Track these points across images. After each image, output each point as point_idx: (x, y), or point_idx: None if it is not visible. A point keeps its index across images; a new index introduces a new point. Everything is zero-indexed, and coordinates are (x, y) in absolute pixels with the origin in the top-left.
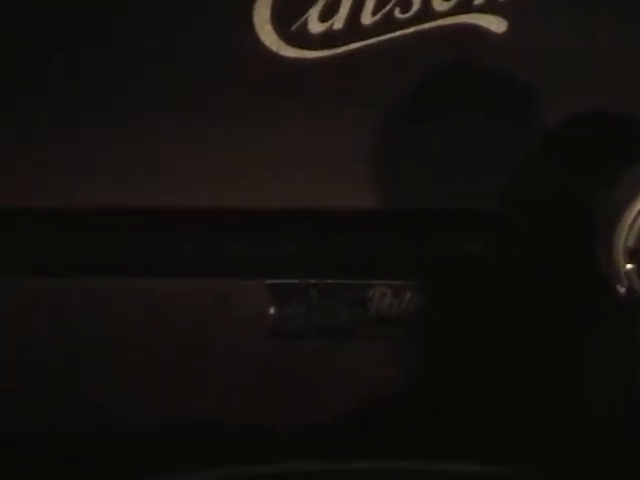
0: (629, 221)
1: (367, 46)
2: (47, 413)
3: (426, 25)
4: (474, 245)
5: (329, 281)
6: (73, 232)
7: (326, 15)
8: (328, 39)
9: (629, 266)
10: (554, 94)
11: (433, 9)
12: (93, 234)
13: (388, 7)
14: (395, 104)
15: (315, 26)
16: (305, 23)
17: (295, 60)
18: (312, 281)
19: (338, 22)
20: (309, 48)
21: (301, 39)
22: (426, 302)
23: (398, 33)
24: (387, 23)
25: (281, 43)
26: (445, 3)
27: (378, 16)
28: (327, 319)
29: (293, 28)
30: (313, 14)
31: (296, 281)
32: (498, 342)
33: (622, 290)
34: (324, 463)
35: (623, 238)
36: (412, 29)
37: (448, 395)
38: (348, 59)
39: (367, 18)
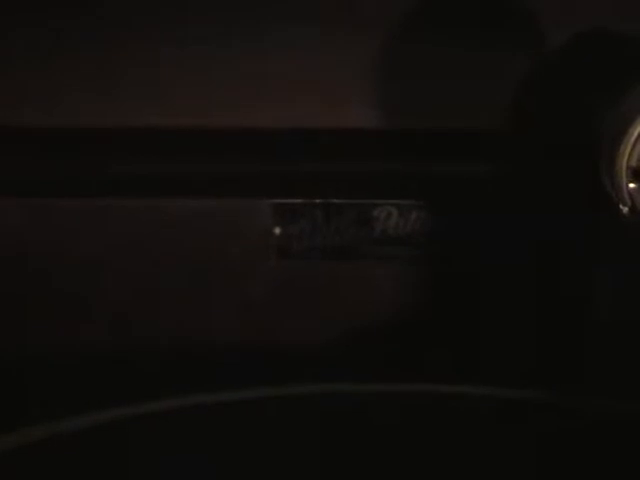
0: (632, 141)
1: None
2: (53, 328)
3: None
4: (480, 166)
5: (334, 201)
6: (76, 152)
7: None
8: None
9: (632, 185)
10: (561, 13)
11: None
12: (101, 155)
13: None
14: (398, 22)
15: None
16: None
17: None
18: (317, 201)
19: None
20: None
21: None
22: (432, 222)
23: None
24: None
25: None
26: None
27: None
28: (332, 239)
29: None
30: None
31: (301, 201)
32: (504, 265)
33: (625, 210)
34: (326, 386)
35: (626, 157)
36: None
37: (455, 317)
38: None
39: None
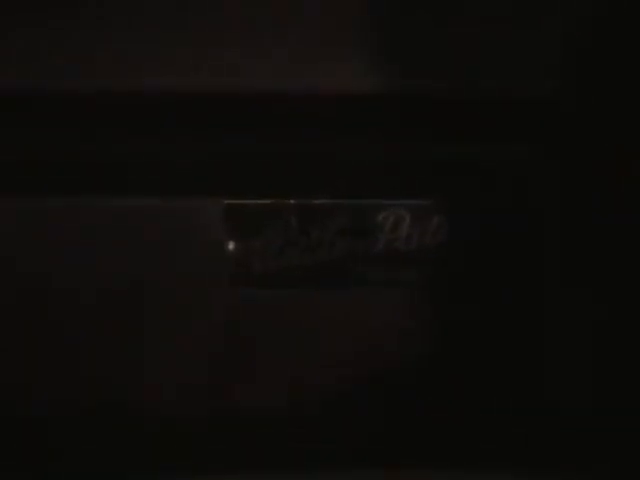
0: None
1: None
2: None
3: None
4: (526, 147)
5: (317, 201)
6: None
7: None
8: None
9: None
10: None
11: None
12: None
13: None
14: None
15: None
16: None
17: None
18: (291, 201)
19: None
20: None
21: None
22: (461, 231)
23: None
24: None
25: None
26: None
27: None
28: (313, 256)
29: None
30: None
31: (268, 201)
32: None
33: None
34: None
35: None
36: None
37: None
38: None
39: None
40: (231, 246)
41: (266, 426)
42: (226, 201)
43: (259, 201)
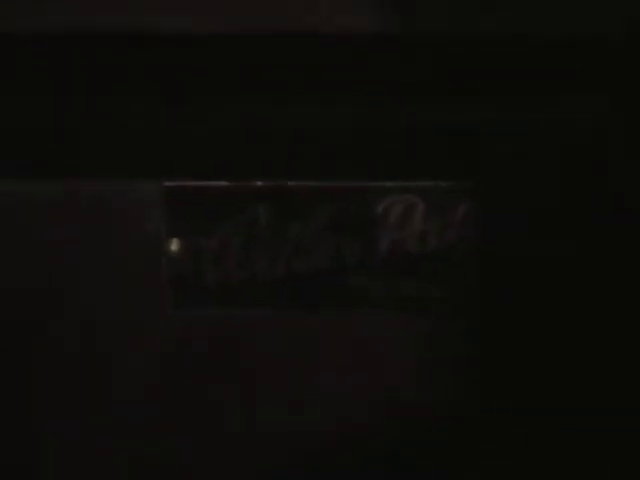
0: None
1: None
2: None
3: None
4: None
5: (292, 184)
6: None
7: None
8: None
9: None
10: None
11: None
12: None
13: None
14: None
15: None
16: None
17: None
18: (258, 183)
19: None
20: None
21: None
22: (489, 226)
23: None
24: None
25: None
26: None
27: None
28: (288, 263)
29: None
30: None
31: (225, 183)
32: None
33: None
34: None
35: None
36: None
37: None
38: None
39: None
40: (173, 247)
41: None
42: (165, 183)
43: (211, 183)
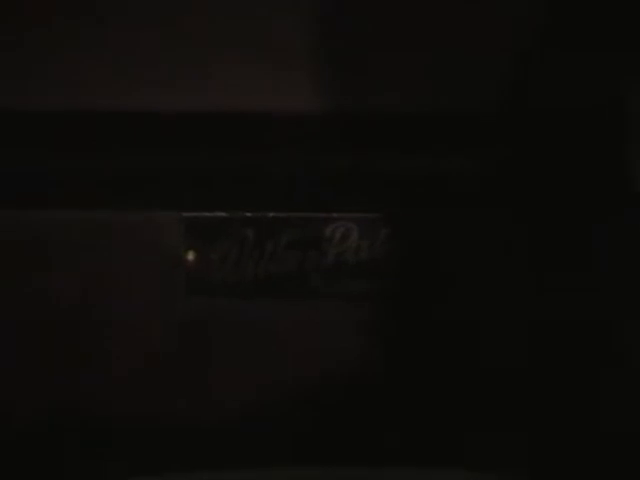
0: None
1: None
2: None
3: None
4: (469, 160)
5: (271, 214)
6: None
7: None
8: None
9: None
10: None
11: None
12: None
13: None
14: None
15: None
16: None
17: None
18: (248, 214)
19: None
20: None
21: None
22: (410, 244)
23: None
24: None
25: None
26: None
27: None
28: (267, 268)
29: None
30: None
31: (223, 214)
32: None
33: None
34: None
35: None
36: None
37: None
38: None
39: None
40: (190, 257)
41: (216, 437)
42: (184, 214)
43: (216, 214)
